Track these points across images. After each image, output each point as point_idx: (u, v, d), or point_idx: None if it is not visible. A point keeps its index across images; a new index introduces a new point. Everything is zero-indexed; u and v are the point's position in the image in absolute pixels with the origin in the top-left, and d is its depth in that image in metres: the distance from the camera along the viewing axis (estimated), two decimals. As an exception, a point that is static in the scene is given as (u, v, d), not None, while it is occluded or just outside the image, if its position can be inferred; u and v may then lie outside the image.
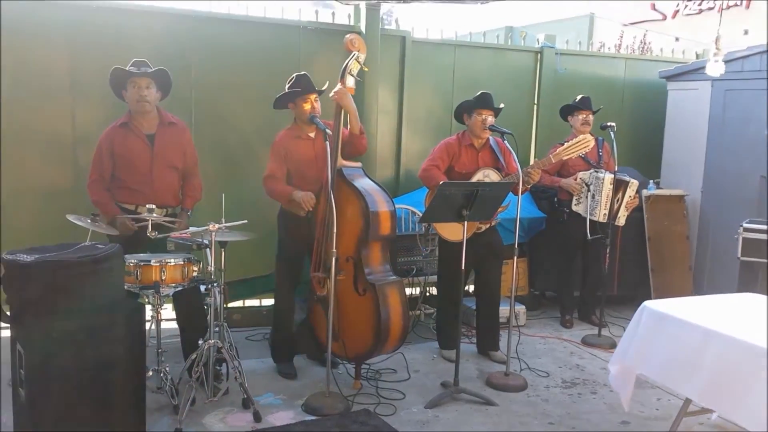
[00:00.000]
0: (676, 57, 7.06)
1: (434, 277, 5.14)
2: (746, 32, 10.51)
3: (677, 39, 11.08)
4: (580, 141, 4.53)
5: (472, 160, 4.62)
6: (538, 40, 6.59)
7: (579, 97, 5.52)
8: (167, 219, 3.83)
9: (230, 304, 5.29)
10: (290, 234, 4.34)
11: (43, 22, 4.71)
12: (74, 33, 4.78)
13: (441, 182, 3.94)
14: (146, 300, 3.76)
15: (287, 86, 4.27)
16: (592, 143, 4.62)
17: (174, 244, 3.79)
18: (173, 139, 4.09)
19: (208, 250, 3.73)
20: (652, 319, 3.39)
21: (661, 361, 3.32)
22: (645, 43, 11.68)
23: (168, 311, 4.40)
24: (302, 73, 4.29)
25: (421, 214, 4.93)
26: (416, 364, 4.66)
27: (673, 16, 13.26)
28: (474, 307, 5.02)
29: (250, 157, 5.28)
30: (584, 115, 5.43)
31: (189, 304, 4.01)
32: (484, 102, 4.56)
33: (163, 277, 3.53)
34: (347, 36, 4.23)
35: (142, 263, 3.51)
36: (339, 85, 4.15)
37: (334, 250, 3.81)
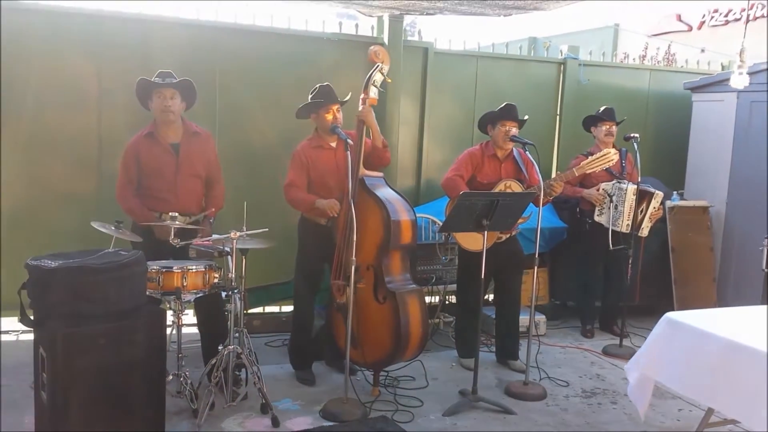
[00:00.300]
0: (701, 68, 7.01)
1: (453, 286, 5.14)
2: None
3: (703, 50, 10.97)
4: (604, 155, 4.53)
5: (495, 171, 4.63)
6: (561, 51, 6.59)
7: (602, 108, 5.50)
8: (191, 226, 3.89)
9: (250, 311, 5.35)
10: (310, 242, 4.38)
11: (72, 31, 4.83)
12: (102, 43, 4.89)
13: (461, 192, 3.96)
14: (168, 306, 3.82)
15: (310, 97, 4.33)
16: (616, 158, 4.62)
17: (196, 251, 3.85)
18: (197, 148, 4.16)
19: (229, 257, 3.79)
20: (674, 329, 3.37)
21: (681, 370, 3.29)
22: (669, 54, 11.61)
23: (189, 317, 4.45)
24: (325, 83, 4.34)
25: (441, 224, 4.95)
26: (435, 372, 4.67)
27: (699, 27, 13.12)
28: (493, 316, 5.02)
29: (272, 166, 5.33)
30: (608, 126, 5.41)
31: (210, 310, 4.07)
32: (508, 113, 4.57)
33: (185, 284, 3.58)
34: (371, 48, 4.28)
35: (164, 269, 3.57)
36: (361, 103, 4.19)
37: (354, 258, 3.84)
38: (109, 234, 3.64)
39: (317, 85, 4.34)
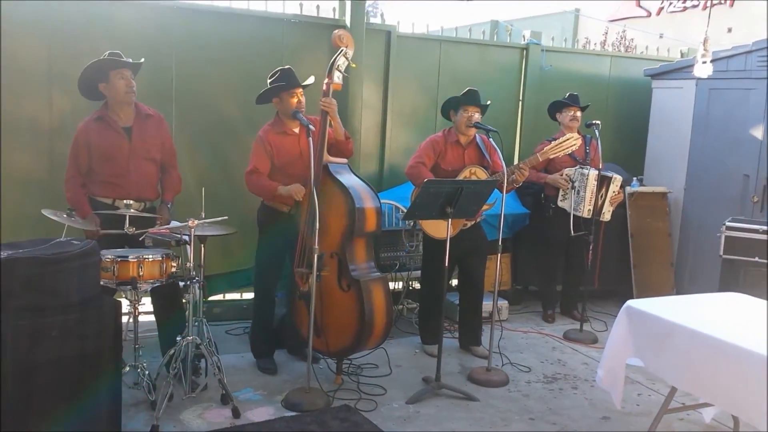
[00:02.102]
0: (661, 55, 7.08)
1: (417, 272, 5.12)
2: (730, 30, 10.57)
3: (661, 36, 11.12)
4: (567, 139, 4.55)
5: (458, 158, 4.60)
6: (524, 36, 6.57)
7: (568, 94, 5.52)
8: (147, 214, 3.77)
9: (211, 298, 5.25)
10: (271, 229, 4.29)
11: (22, 10, 4.61)
12: (53, 22, 4.67)
13: (425, 180, 3.92)
14: (123, 295, 3.71)
15: (269, 80, 4.22)
16: (579, 142, 4.65)
17: (152, 239, 3.74)
18: (151, 131, 4.03)
19: (187, 246, 3.68)
20: (638, 319, 3.39)
21: (651, 359, 3.32)
22: (626, 39, 11.73)
23: (147, 305, 4.34)
24: (287, 67, 4.24)
25: (405, 210, 4.91)
26: (398, 359, 4.65)
27: (658, 13, 13.28)
28: (457, 302, 5.02)
29: (231, 150, 5.21)
30: (573, 112, 5.44)
31: (167, 299, 3.96)
32: (470, 98, 4.54)
33: (141, 273, 3.48)
34: (335, 32, 4.18)
35: (119, 259, 3.46)
36: (325, 88, 4.09)
37: (317, 246, 3.77)
38: (61, 222, 3.50)
39: (278, 69, 4.24)
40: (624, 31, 11.91)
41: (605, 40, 11.92)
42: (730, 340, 2.91)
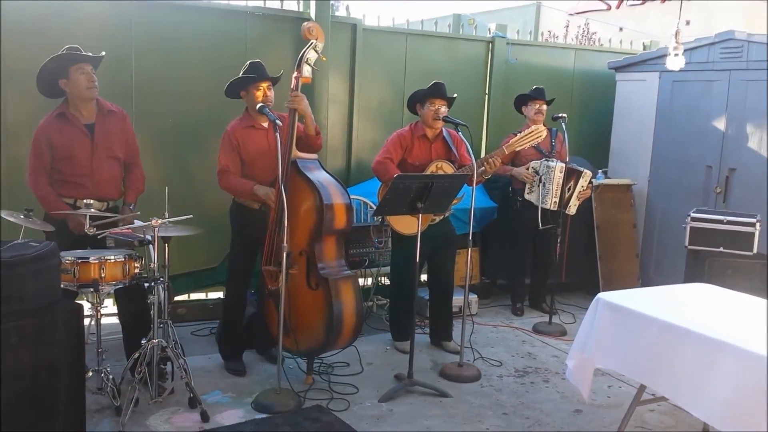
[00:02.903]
0: (624, 48, 7.13)
1: (386, 269, 5.07)
2: (688, 23, 10.73)
3: (621, 29, 11.25)
4: (532, 131, 4.55)
5: (426, 152, 4.55)
6: (489, 29, 6.56)
7: (533, 88, 5.53)
8: (107, 214, 3.63)
9: (175, 298, 5.12)
10: (243, 227, 4.20)
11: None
12: (5, 17, 4.49)
13: (395, 175, 3.87)
14: (84, 298, 3.58)
15: (241, 74, 4.12)
16: (545, 134, 4.65)
17: (114, 240, 3.61)
18: (113, 128, 3.89)
19: (150, 246, 3.57)
20: (609, 312, 3.39)
21: (620, 355, 3.32)
22: (588, 32, 11.83)
23: (109, 306, 4.21)
24: (256, 60, 4.15)
25: (374, 206, 4.85)
26: (369, 356, 4.60)
27: (618, 7, 13.46)
28: (427, 297, 4.98)
29: (194, 147, 5.09)
30: (538, 105, 5.44)
31: (131, 300, 3.84)
32: (437, 91, 4.49)
33: (103, 275, 3.35)
34: (304, 24, 4.09)
35: (80, 260, 3.33)
36: (294, 81, 4.00)
37: (285, 244, 3.69)
38: (18, 223, 3.36)
39: (248, 62, 4.14)
40: (587, 24, 12.02)
41: (567, 33, 12.03)
42: (703, 332, 2.92)
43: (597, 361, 3.46)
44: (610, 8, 13.65)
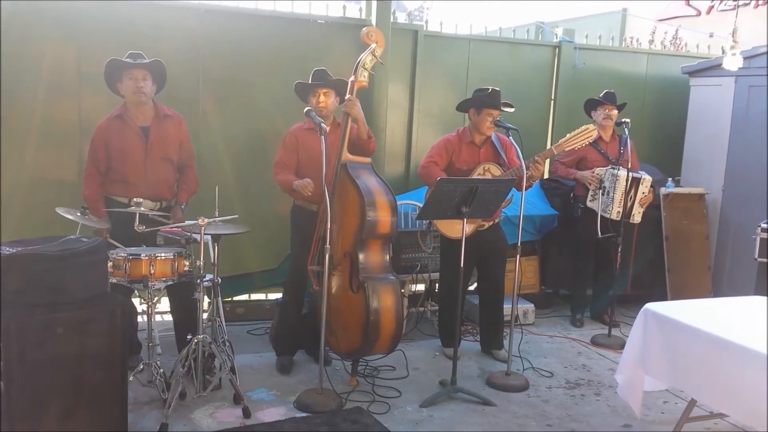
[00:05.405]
0: (711, 53, 6.81)
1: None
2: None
3: (711, 35, 10.76)
4: (582, 130, 4.37)
5: (474, 156, 4.50)
6: (555, 34, 6.44)
7: (604, 92, 5.36)
8: (156, 212, 3.79)
9: (235, 298, 5.29)
10: (301, 228, 4.28)
11: (52, 13, 4.73)
12: (82, 24, 4.78)
13: (438, 178, 3.85)
14: (138, 294, 3.74)
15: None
16: (595, 133, 4.46)
17: (164, 238, 3.77)
18: (168, 131, 4.07)
19: (205, 244, 3.70)
20: (656, 323, 3.26)
21: (668, 367, 3.19)
22: (677, 39, 11.38)
23: (165, 305, 4.39)
24: (321, 68, 4.26)
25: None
26: (416, 361, 4.58)
27: (708, 12, 12.88)
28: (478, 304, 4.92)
29: (257, 151, 5.25)
30: (607, 110, 5.28)
31: (182, 298, 3.98)
32: (495, 101, 4.38)
33: (152, 271, 3.49)
34: (364, 29, 4.18)
35: (131, 257, 3.49)
36: (350, 86, 4.09)
37: (328, 246, 3.74)
38: (76, 221, 3.57)
39: (314, 69, 4.27)
40: (676, 30, 11.56)
41: (653, 40, 11.61)
42: (751, 346, 2.76)
43: (646, 373, 3.33)
44: (699, 13, 13.07)
